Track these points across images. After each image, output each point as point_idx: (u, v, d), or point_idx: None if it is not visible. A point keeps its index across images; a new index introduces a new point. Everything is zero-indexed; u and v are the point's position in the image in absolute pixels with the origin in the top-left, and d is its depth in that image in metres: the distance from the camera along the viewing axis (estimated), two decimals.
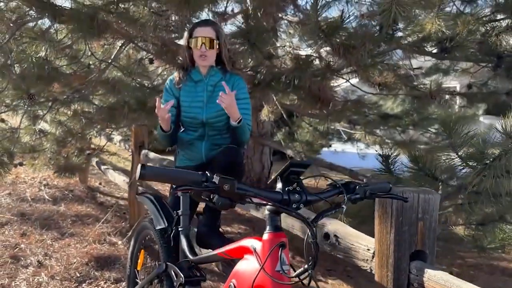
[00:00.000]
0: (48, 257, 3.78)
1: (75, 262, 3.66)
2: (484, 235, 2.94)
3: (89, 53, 4.51)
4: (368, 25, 3.74)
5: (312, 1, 3.02)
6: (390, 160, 2.63)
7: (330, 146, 9.29)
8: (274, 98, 5.24)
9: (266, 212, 1.32)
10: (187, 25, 3.74)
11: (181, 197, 2.01)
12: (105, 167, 6.22)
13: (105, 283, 3.37)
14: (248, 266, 1.36)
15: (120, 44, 4.70)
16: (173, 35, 3.98)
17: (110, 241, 4.23)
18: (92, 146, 5.27)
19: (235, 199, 1.17)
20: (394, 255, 1.49)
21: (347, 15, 3.20)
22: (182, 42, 2.70)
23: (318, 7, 3.02)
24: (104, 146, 5.18)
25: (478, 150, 2.02)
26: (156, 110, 2.34)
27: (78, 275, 3.45)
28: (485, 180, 2.03)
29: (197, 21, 2.90)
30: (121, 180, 5.40)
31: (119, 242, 4.20)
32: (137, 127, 4.51)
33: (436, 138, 7.10)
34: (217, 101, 2.26)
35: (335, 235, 1.82)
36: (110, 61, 4.59)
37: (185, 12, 3.24)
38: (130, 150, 4.86)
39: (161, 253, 2.11)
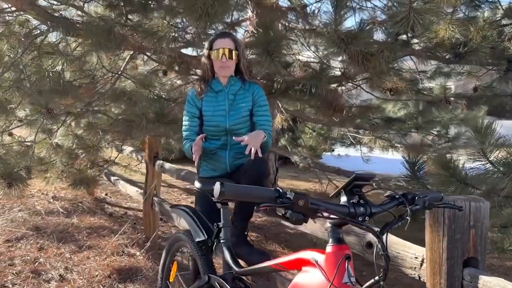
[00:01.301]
0: (69, 270, 3.77)
1: (97, 275, 3.66)
2: (507, 237, 2.99)
3: (100, 66, 4.54)
4: (385, 32, 3.81)
5: (332, 11, 3.08)
6: (416, 167, 2.66)
7: (333, 150, 9.37)
8: (280, 105, 5.29)
9: (328, 225, 1.35)
10: (203, 36, 3.79)
11: (221, 209, 2.04)
12: (115, 178, 6.23)
13: None
14: (310, 278, 1.38)
15: (128, 56, 4.74)
16: (189, 48, 4.03)
17: (128, 253, 4.23)
18: (103, 158, 5.27)
19: (308, 214, 1.20)
20: (447, 262, 1.52)
21: (365, 24, 3.26)
22: (203, 54, 2.74)
23: (337, 17, 3.08)
24: (116, 157, 5.18)
25: (510, 155, 2.06)
26: (194, 149, 2.43)
27: None
28: None
29: (216, 33, 2.97)
30: (133, 191, 5.41)
31: (138, 253, 4.21)
32: (151, 138, 4.53)
33: (439, 140, 7.20)
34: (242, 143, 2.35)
35: (377, 244, 1.85)
36: (120, 72, 4.63)
37: (204, 24, 3.27)
38: (143, 161, 4.87)
39: (200, 266, 2.13)
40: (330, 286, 1.24)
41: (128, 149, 5.51)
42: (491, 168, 2.22)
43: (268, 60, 3.20)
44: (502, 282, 1.41)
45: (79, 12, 4.34)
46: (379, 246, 1.22)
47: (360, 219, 1.26)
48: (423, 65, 4.76)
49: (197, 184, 2.10)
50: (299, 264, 1.46)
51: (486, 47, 3.41)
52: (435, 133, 7.00)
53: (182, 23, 3.88)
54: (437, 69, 6.00)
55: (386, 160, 7.32)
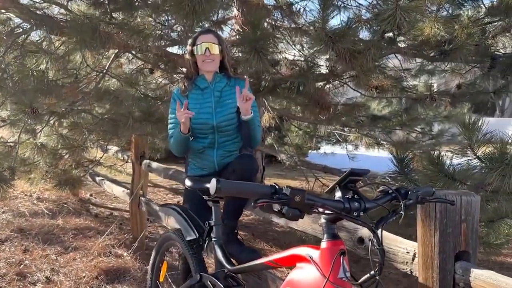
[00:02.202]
0: (56, 272, 3.71)
1: (84, 277, 3.61)
2: (493, 231, 3.03)
3: (85, 65, 4.48)
4: (370, 30, 3.83)
5: (319, 9, 3.08)
6: (404, 163, 2.68)
7: (319, 148, 9.42)
8: (266, 103, 5.29)
9: (322, 220, 1.35)
10: (190, 34, 3.77)
11: (212, 207, 2.03)
12: (100, 178, 6.16)
13: None
14: (304, 274, 1.38)
15: (113, 55, 4.68)
16: (174, 46, 3.99)
17: (115, 253, 4.18)
18: (88, 158, 5.20)
19: (304, 209, 1.20)
20: (439, 256, 1.53)
21: (352, 22, 3.28)
22: (186, 51, 2.73)
23: (325, 15, 3.09)
24: (101, 157, 5.12)
25: (498, 150, 2.09)
26: (177, 114, 2.41)
27: None
28: (506, 179, 2.10)
29: (199, 30, 2.96)
30: (119, 191, 5.36)
31: (125, 254, 4.16)
32: (137, 137, 4.49)
33: (423, 137, 7.28)
34: (238, 97, 2.40)
35: (370, 239, 1.86)
36: (104, 71, 4.57)
37: (191, 21, 3.25)
38: (130, 161, 4.82)
39: (191, 264, 2.11)
40: (326, 281, 1.24)
41: (113, 149, 5.45)
42: (478, 163, 2.25)
43: (256, 58, 3.19)
44: (493, 275, 1.43)
45: (62, 10, 4.28)
46: (375, 240, 1.22)
47: (355, 214, 1.26)
48: (407, 63, 4.83)
49: (188, 182, 2.08)
50: (293, 261, 1.46)
51: (471, 44, 3.45)
52: (419, 130, 7.08)
53: (168, 21, 3.85)
54: (421, 67, 6.08)
55: (371, 157, 7.38)
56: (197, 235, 2.08)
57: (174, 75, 4.41)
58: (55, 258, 4.06)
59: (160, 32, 3.71)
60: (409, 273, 1.71)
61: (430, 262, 1.56)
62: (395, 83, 4.67)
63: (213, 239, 2.00)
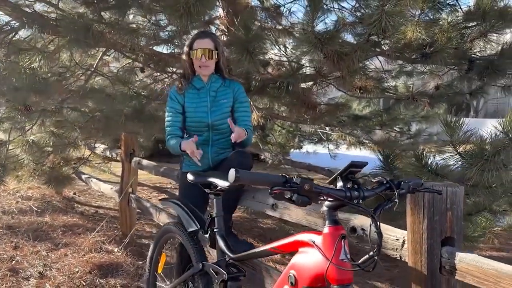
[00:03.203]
0: (49, 267, 3.77)
1: (77, 272, 3.67)
2: (471, 224, 3.23)
3: (74, 63, 4.52)
4: (353, 33, 4.01)
5: (309, 12, 3.23)
6: (389, 159, 2.84)
7: (301, 147, 9.60)
8: (251, 103, 5.42)
9: (324, 208, 1.48)
10: (185, 36, 3.88)
11: (214, 200, 2.14)
12: (86, 176, 6.19)
13: None
14: (308, 258, 1.51)
15: (101, 53, 4.75)
16: (166, 44, 4.08)
17: (106, 249, 4.25)
18: (76, 156, 5.23)
19: (312, 197, 1.33)
20: (427, 242, 1.68)
21: (340, 25, 3.44)
22: (184, 52, 2.84)
23: (314, 18, 3.24)
24: (89, 155, 5.17)
25: (478, 147, 2.27)
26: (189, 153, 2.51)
27: (84, 283, 3.48)
28: (485, 174, 2.28)
29: (196, 33, 3.06)
30: (107, 188, 5.41)
31: (115, 250, 4.23)
32: (126, 135, 4.56)
33: (401, 136, 7.53)
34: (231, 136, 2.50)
35: (362, 229, 2.00)
36: (92, 69, 4.62)
37: (185, 23, 3.35)
38: (119, 158, 4.88)
39: (193, 254, 2.22)
40: (329, 263, 1.38)
41: (100, 147, 5.49)
42: (459, 159, 2.42)
43: (248, 59, 3.31)
44: (476, 258, 1.58)
45: (51, 9, 4.32)
46: (373, 225, 1.36)
47: (355, 201, 1.40)
48: (388, 64, 5.03)
49: (190, 177, 2.19)
50: (296, 246, 1.59)
51: (451, 47, 3.65)
52: (398, 130, 7.31)
53: (157, 21, 3.94)
54: (401, 69, 6.30)
55: (352, 156, 7.59)
56: (199, 226, 2.19)
57: (164, 74, 4.49)
58: (46, 254, 4.11)
59: (151, 32, 3.79)
60: (399, 258, 1.86)
61: (419, 247, 1.71)
62: (377, 84, 4.86)
63: (215, 230, 2.11)
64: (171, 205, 2.42)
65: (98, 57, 4.86)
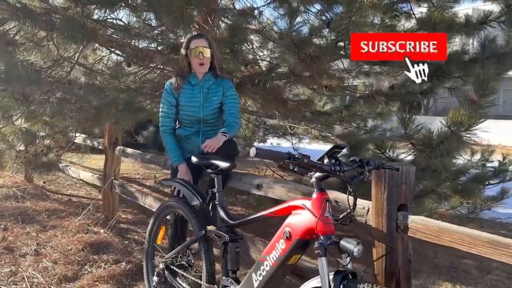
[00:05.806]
0: (42, 246, 4.07)
1: (71, 249, 4.00)
2: (420, 206, 3.82)
3: (60, 56, 4.79)
4: (320, 36, 4.53)
5: (287, 20, 3.71)
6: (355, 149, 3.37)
7: (266, 141, 10.12)
8: None
9: (313, 179, 1.95)
10: (171, 34, 4.26)
11: (215, 178, 2.58)
12: (63, 164, 6.43)
13: (105, 264, 3.77)
14: (299, 217, 1.98)
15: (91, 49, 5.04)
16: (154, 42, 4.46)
17: (93, 231, 4.58)
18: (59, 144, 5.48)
19: (309, 168, 1.80)
20: (387, 208, 2.20)
21: (315, 32, 3.94)
22: (181, 53, 3.20)
23: (291, 26, 3.73)
24: (71, 143, 5.44)
25: (426, 137, 2.82)
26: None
27: (79, 259, 3.82)
28: (431, 160, 2.84)
29: (192, 35, 3.46)
30: (88, 176, 5.71)
31: (102, 231, 4.57)
32: (110, 125, 4.89)
33: (358, 131, 8.17)
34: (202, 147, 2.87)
35: (335, 201, 2.50)
36: (73, 61, 4.90)
37: (178, 24, 3.74)
38: (101, 147, 5.19)
39: (194, 225, 2.64)
40: (317, 220, 1.85)
41: (81, 136, 5.75)
42: (411, 147, 2.98)
43: (232, 59, 3.75)
44: (424, 218, 2.11)
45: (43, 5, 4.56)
46: (351, 190, 1.85)
47: (338, 173, 1.88)
48: (348, 65, 5.62)
49: (194, 159, 2.63)
50: (289, 210, 2.06)
51: None
52: (355, 125, 7.93)
53: (149, 21, 4.30)
54: (360, 69, 6.90)
55: (312, 150, 8.19)
56: (201, 200, 2.61)
57: (149, 69, 4.85)
58: (36, 235, 4.39)
59: (141, 30, 4.15)
60: (364, 222, 2.37)
61: (380, 212, 2.22)
62: (340, 83, 5.42)
63: (216, 202, 2.54)
64: (175, 184, 2.84)
65: (79, 50, 5.14)
